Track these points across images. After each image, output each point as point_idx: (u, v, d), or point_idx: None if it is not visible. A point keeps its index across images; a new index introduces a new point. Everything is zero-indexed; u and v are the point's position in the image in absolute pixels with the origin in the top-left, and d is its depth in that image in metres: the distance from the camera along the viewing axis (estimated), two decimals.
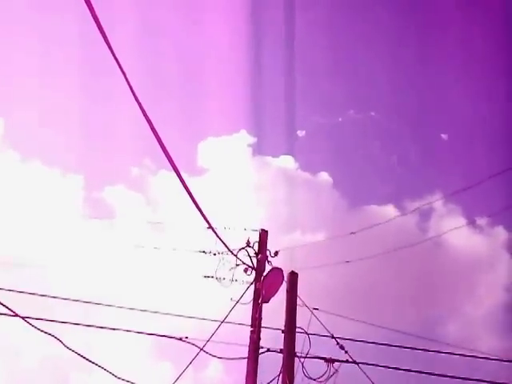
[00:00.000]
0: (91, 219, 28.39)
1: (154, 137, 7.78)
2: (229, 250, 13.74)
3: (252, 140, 32.27)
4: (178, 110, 32.46)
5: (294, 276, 13.56)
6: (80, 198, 31.59)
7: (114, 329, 14.12)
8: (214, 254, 14.03)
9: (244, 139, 32.12)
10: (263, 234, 14.34)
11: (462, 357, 14.74)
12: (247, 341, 13.84)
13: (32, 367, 23.67)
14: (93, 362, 13.04)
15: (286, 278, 13.65)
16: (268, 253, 14.18)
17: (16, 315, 11.17)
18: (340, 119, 34.09)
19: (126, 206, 31.75)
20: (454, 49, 32.62)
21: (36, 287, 14.57)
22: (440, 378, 14.35)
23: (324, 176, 32.07)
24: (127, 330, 14.18)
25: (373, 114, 34.08)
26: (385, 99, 33.86)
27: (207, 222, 11.39)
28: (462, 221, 27.21)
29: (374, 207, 31.19)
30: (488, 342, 24.80)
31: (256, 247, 14.20)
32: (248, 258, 14.10)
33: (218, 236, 12.93)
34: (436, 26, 33.25)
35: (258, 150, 32.24)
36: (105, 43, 6.55)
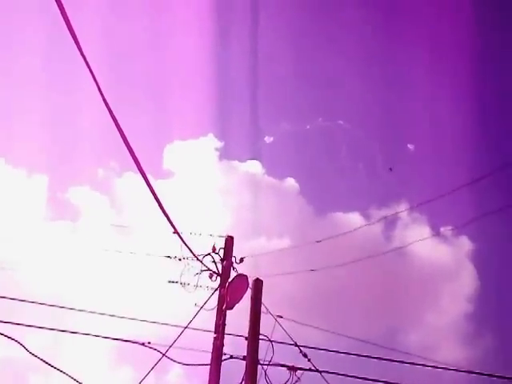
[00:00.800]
0: (56, 220, 28.16)
1: (120, 138, 7.71)
2: (194, 255, 13.67)
3: (219, 144, 32.21)
4: (145, 113, 32.27)
5: (258, 283, 13.49)
6: (44, 199, 31.24)
7: (74, 332, 13.94)
8: (180, 259, 13.95)
9: (211, 143, 32.05)
10: (229, 241, 14.29)
11: (423, 366, 14.84)
12: (210, 347, 13.77)
13: None
14: (52, 366, 12.90)
15: (250, 285, 13.58)
16: (233, 259, 14.15)
17: None
18: (308, 127, 34.15)
19: (91, 208, 31.48)
20: (422, 58, 32.91)
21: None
22: None
23: (290, 182, 32.12)
24: (87, 334, 14.00)
25: (341, 122, 34.22)
26: (353, 108, 34.04)
27: (173, 226, 11.33)
28: (426, 230, 27.47)
29: (339, 214, 31.31)
30: (450, 352, 25.00)
31: (221, 253, 14.15)
32: (213, 263, 14.05)
33: (183, 241, 12.88)
34: (405, 34, 33.53)
35: (225, 154, 32.18)
36: (74, 43, 6.47)
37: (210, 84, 30.90)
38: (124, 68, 32.47)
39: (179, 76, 32.25)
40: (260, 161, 31.81)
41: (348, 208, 31.46)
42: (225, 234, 14.56)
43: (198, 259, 13.80)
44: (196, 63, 31.95)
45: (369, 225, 17.05)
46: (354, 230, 15.72)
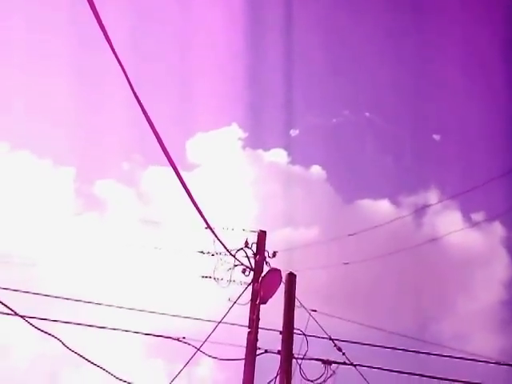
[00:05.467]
0: (83, 213, 28.18)
1: (148, 132, 7.59)
2: (227, 250, 13.60)
3: (243, 134, 31.98)
4: (165, 105, 31.98)
5: (292, 277, 13.39)
6: (71, 191, 31.27)
7: (114, 329, 13.98)
8: (212, 255, 13.89)
9: (234, 133, 31.83)
10: (261, 235, 14.20)
11: (451, 358, 14.77)
12: (244, 341, 13.73)
13: (23, 365, 23.44)
14: (88, 360, 12.94)
15: (283, 279, 13.50)
16: (266, 253, 14.05)
17: (16, 314, 11.05)
18: (334, 120, 33.90)
19: (118, 201, 31.44)
20: (451, 49, 32.43)
21: (26, 284, 14.36)
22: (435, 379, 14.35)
23: (317, 169, 31.74)
24: (126, 330, 14.07)
25: (367, 114, 33.96)
26: (380, 100, 33.74)
27: (206, 222, 11.23)
28: (457, 216, 27.19)
29: (368, 202, 31.02)
30: (484, 341, 24.72)
31: (254, 248, 14.06)
32: (246, 258, 13.97)
33: (216, 237, 12.79)
34: (435, 25, 33.02)
35: (249, 143, 31.92)
36: (102, 33, 6.35)
37: (233, 74, 30.76)
38: (143, 58, 32.16)
39: (201, 65, 32.04)
40: (285, 149, 31.53)
41: (377, 195, 31.28)
42: (253, 226, 14.52)
43: (231, 254, 13.73)
44: (219, 52, 31.77)
45: (401, 218, 16.90)
46: (388, 222, 15.59)
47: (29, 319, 11.54)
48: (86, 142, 32.64)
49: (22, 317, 11.24)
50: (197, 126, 32.34)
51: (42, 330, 11.65)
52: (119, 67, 6.72)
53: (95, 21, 6.23)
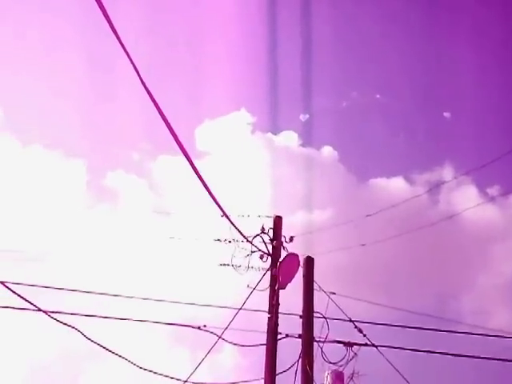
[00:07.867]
0: (95, 205, 28.24)
1: (159, 121, 7.59)
2: (244, 237, 13.58)
3: (252, 118, 31.80)
4: (172, 93, 31.82)
5: (310, 261, 13.38)
6: (83, 183, 31.29)
7: (141, 320, 14.02)
8: (229, 242, 13.87)
9: (244, 118, 31.66)
10: (277, 220, 14.16)
11: (469, 334, 14.68)
12: (265, 327, 13.74)
13: (46, 359, 23.60)
14: (110, 351, 13.04)
15: (301, 263, 13.47)
16: (283, 238, 14.02)
17: (39, 310, 11.12)
18: (344, 103, 33.68)
19: (129, 192, 31.44)
20: (460, 26, 32.08)
21: (42, 279, 14.38)
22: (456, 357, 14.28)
23: (328, 150, 31.49)
24: (157, 322, 14.17)
25: (378, 96, 33.76)
26: (389, 81, 33.49)
27: (221, 210, 11.23)
28: (472, 191, 27.03)
29: (382, 180, 30.88)
30: (507, 315, 24.58)
31: (271, 233, 14.03)
32: (263, 244, 13.94)
33: (233, 224, 12.78)
34: (444, 3, 32.71)
35: (259, 127, 31.72)
36: (109, 25, 6.33)
37: (240, 60, 30.59)
38: (150, 45, 31.94)
39: (208, 52, 31.84)
40: (295, 132, 31.30)
41: (390, 174, 31.13)
42: (268, 211, 14.51)
43: (248, 241, 13.70)
44: (227, 38, 31.52)
45: (417, 196, 16.81)
46: (405, 201, 15.51)
47: (51, 313, 11.61)
48: (96, 133, 32.69)
49: (44, 312, 11.30)
50: (205, 112, 32.28)
51: (65, 324, 11.72)
52: (126, 57, 6.70)
53: (100, 10, 6.20)
